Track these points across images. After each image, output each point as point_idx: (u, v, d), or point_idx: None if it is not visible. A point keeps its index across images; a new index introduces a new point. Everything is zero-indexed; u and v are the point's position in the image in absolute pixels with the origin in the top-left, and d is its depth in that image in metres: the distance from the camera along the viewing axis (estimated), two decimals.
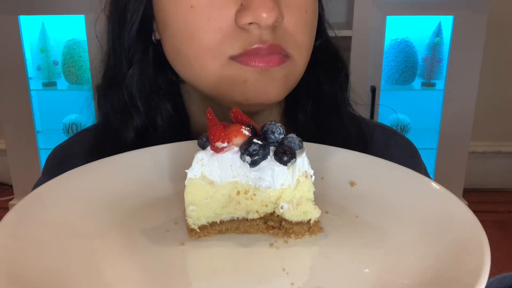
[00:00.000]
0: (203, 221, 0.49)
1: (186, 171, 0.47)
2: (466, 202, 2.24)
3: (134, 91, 0.68)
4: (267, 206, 0.49)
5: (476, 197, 2.77)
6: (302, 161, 0.47)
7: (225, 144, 0.46)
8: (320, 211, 0.49)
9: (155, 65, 0.68)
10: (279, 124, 0.47)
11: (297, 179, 0.48)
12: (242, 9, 0.56)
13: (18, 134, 2.47)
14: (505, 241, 2.52)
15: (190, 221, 0.48)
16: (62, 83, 2.50)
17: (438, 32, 2.43)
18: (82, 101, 0.77)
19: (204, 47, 0.59)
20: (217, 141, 0.46)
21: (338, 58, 0.76)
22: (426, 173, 0.80)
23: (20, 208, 0.47)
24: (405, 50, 2.45)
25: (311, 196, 0.48)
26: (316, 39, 0.66)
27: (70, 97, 2.46)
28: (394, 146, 0.79)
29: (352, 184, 0.57)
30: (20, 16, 2.30)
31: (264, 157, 0.46)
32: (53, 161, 0.77)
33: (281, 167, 0.46)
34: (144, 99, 0.68)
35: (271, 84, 0.60)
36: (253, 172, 0.47)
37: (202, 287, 0.43)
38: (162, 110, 0.69)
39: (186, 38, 0.59)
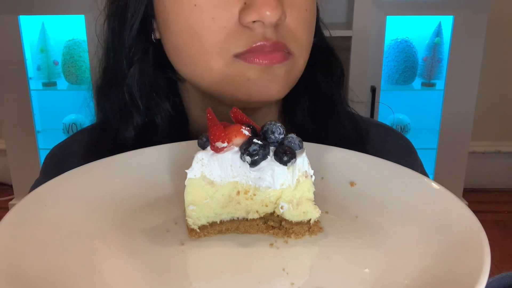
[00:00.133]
0: (203, 221, 0.49)
1: (186, 171, 0.47)
2: (466, 202, 2.24)
3: (135, 91, 0.68)
4: (267, 206, 0.49)
5: (476, 197, 2.77)
6: (302, 161, 0.47)
7: (225, 144, 0.46)
8: (320, 211, 0.49)
9: (154, 65, 0.68)
10: (279, 124, 0.47)
11: (297, 179, 0.48)
12: (245, 7, 0.57)
13: (18, 134, 2.47)
14: (505, 241, 2.52)
15: (190, 221, 0.48)
16: (62, 83, 2.50)
17: (438, 32, 2.43)
18: (82, 101, 0.77)
19: (209, 46, 0.59)
20: (217, 141, 0.46)
21: (333, 56, 0.77)
22: (422, 170, 0.80)
23: (20, 208, 0.47)
24: (405, 50, 2.45)
25: (311, 196, 0.48)
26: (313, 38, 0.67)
27: (70, 97, 2.46)
28: (391, 143, 0.79)
29: (352, 184, 0.57)
30: (20, 16, 2.30)
31: (264, 157, 0.46)
32: (52, 160, 0.77)
33: (281, 167, 0.46)
34: (144, 98, 0.68)
35: (273, 81, 0.61)
36: (253, 172, 0.47)
37: (202, 287, 0.43)
38: (162, 109, 0.69)
39: (190, 37, 0.60)
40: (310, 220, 0.49)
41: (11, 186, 2.64)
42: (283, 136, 0.47)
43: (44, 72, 2.45)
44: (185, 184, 0.48)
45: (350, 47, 2.32)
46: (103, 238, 0.47)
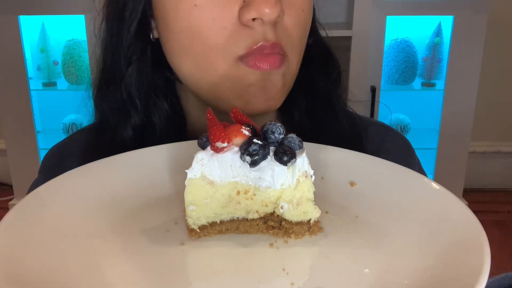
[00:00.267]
0: (203, 221, 0.49)
1: (186, 171, 0.47)
2: (466, 202, 2.24)
3: (133, 90, 0.68)
4: (267, 206, 0.49)
5: (476, 197, 2.77)
6: (302, 161, 0.47)
7: (225, 144, 0.46)
8: (320, 211, 0.49)
9: (153, 64, 0.68)
10: (279, 124, 0.47)
11: (297, 179, 0.48)
12: (245, 5, 0.57)
13: (18, 134, 2.47)
14: (505, 241, 2.52)
15: (190, 221, 0.48)
16: (62, 83, 2.50)
17: (438, 32, 2.43)
18: (80, 101, 0.77)
19: (212, 46, 0.59)
20: (217, 141, 0.46)
21: (331, 56, 0.77)
22: (420, 169, 0.80)
23: (20, 208, 0.47)
24: (405, 50, 2.45)
25: (311, 196, 0.48)
26: (308, 38, 0.67)
27: (70, 97, 2.46)
28: (390, 143, 0.79)
29: (352, 184, 0.57)
30: (20, 16, 2.30)
31: (264, 157, 0.46)
32: (50, 160, 0.77)
33: (281, 167, 0.46)
34: (142, 98, 0.68)
35: (270, 90, 0.61)
36: (253, 172, 0.47)
37: (202, 287, 0.43)
38: (160, 109, 0.69)
39: (191, 37, 0.60)
40: (310, 220, 0.49)
41: (11, 186, 2.65)
42: (283, 136, 0.47)
43: (44, 72, 2.45)
44: (185, 184, 0.48)
45: (350, 47, 2.32)
46: (103, 238, 0.47)
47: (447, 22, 2.40)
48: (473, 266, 0.39)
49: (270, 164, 0.46)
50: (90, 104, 0.75)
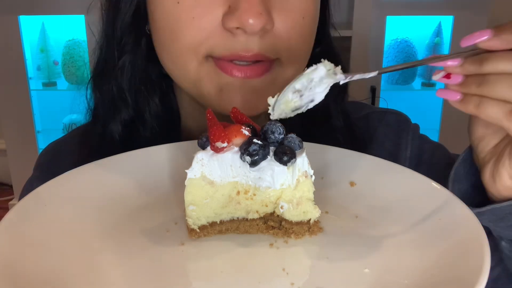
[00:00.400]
0: (203, 221, 0.49)
1: (186, 171, 0.47)
2: None
3: (124, 82, 0.67)
4: (267, 206, 0.49)
5: None
6: (302, 161, 0.47)
7: (225, 144, 0.46)
8: (320, 211, 0.49)
9: (147, 58, 0.67)
10: (279, 124, 0.47)
11: (297, 179, 0.48)
12: (229, 11, 0.55)
13: (18, 134, 2.47)
14: None
15: (190, 221, 0.48)
16: (62, 83, 2.50)
17: (438, 32, 2.43)
18: (78, 99, 0.77)
19: (187, 44, 0.58)
20: (217, 141, 0.46)
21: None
22: (417, 143, 0.77)
23: (20, 208, 0.47)
24: (405, 50, 2.45)
25: (311, 196, 0.48)
26: (316, 46, 0.65)
27: (70, 97, 2.46)
28: (380, 129, 0.77)
29: (352, 184, 0.57)
30: (20, 16, 2.30)
31: (264, 157, 0.46)
32: (45, 158, 0.77)
33: (281, 167, 0.46)
34: (133, 91, 0.68)
35: (250, 96, 0.59)
36: (253, 172, 0.47)
37: (202, 287, 0.43)
38: (151, 104, 0.68)
39: (170, 34, 0.59)
40: (310, 220, 0.49)
41: (11, 186, 2.65)
42: (283, 136, 0.47)
43: (44, 72, 2.45)
44: (185, 184, 0.48)
45: (350, 47, 2.32)
46: (103, 238, 0.47)
47: (447, 22, 2.40)
48: (473, 266, 0.39)
49: (270, 164, 0.46)
50: (86, 102, 0.75)
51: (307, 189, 0.48)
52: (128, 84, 0.67)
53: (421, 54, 2.49)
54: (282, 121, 0.49)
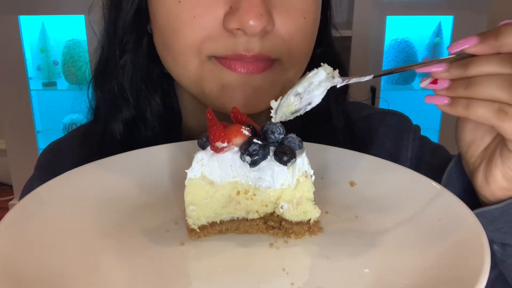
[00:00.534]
0: (203, 221, 0.49)
1: (186, 171, 0.47)
2: None
3: (125, 81, 0.67)
4: (267, 206, 0.49)
5: None
6: (302, 161, 0.47)
7: (225, 144, 0.46)
8: (320, 211, 0.49)
9: (149, 57, 0.67)
10: (279, 124, 0.47)
11: (297, 179, 0.48)
12: (230, 12, 0.55)
13: (18, 134, 2.47)
14: None
15: (190, 221, 0.48)
16: (62, 83, 2.50)
17: (438, 32, 2.43)
18: (82, 100, 0.77)
19: (188, 43, 0.58)
20: (217, 141, 0.46)
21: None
22: (421, 143, 0.77)
23: (20, 208, 0.47)
24: (405, 50, 2.45)
25: (311, 196, 0.48)
26: (317, 47, 0.65)
27: (70, 97, 2.46)
28: (381, 129, 0.77)
29: (352, 184, 0.57)
30: (20, 16, 2.30)
31: (264, 157, 0.46)
32: (46, 157, 0.77)
33: (281, 167, 0.46)
34: (134, 91, 0.68)
35: (252, 94, 0.59)
36: (253, 172, 0.47)
37: (202, 287, 0.43)
38: (152, 103, 0.68)
39: (171, 33, 0.59)
40: (310, 220, 0.49)
41: (11, 186, 2.65)
42: (283, 136, 0.47)
43: (44, 72, 2.45)
44: (185, 184, 0.48)
45: (350, 47, 2.32)
46: (103, 238, 0.47)
47: (447, 22, 2.40)
48: (473, 266, 0.39)
49: (270, 164, 0.46)
50: (87, 101, 0.75)
51: (307, 189, 0.48)
52: (129, 83, 0.67)
53: (421, 54, 2.49)
54: (283, 121, 0.50)
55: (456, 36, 2.35)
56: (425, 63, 0.47)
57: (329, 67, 0.45)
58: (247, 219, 0.50)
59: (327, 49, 0.72)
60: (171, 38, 0.60)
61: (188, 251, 0.47)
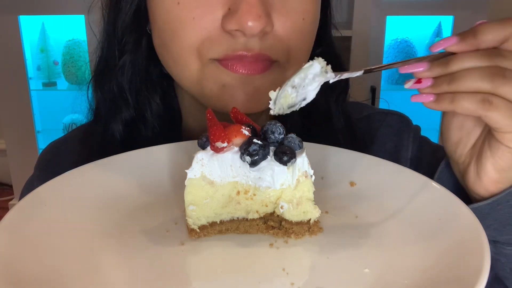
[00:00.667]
0: (203, 221, 0.49)
1: (186, 171, 0.47)
2: None
3: (125, 82, 0.67)
4: (267, 206, 0.49)
5: None
6: (302, 161, 0.47)
7: (225, 144, 0.46)
8: (320, 211, 0.49)
9: (148, 57, 0.67)
10: (279, 124, 0.47)
11: (297, 179, 0.48)
12: (229, 13, 0.55)
13: (18, 134, 2.47)
14: None
15: (190, 221, 0.48)
16: (62, 83, 2.50)
17: (438, 32, 2.43)
18: (82, 100, 0.77)
19: (187, 45, 0.58)
20: (217, 141, 0.46)
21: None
22: (418, 145, 0.77)
23: (20, 208, 0.47)
24: (405, 50, 2.45)
25: (311, 196, 0.48)
26: (317, 47, 0.65)
27: (70, 97, 2.45)
28: (381, 130, 0.77)
29: (352, 184, 0.57)
30: (20, 16, 2.30)
31: (264, 157, 0.46)
32: (45, 157, 0.77)
33: (281, 167, 0.46)
34: (133, 91, 0.68)
35: (252, 94, 0.59)
36: (253, 172, 0.47)
37: (202, 287, 0.43)
38: (152, 103, 0.68)
39: (171, 34, 0.59)
40: (310, 220, 0.49)
41: (11, 186, 2.65)
42: (283, 136, 0.47)
43: (44, 72, 2.45)
44: (185, 184, 0.48)
45: (350, 47, 2.32)
46: (103, 238, 0.47)
47: (447, 22, 2.40)
48: (473, 266, 0.39)
49: (270, 164, 0.46)
50: (87, 101, 0.75)
51: (307, 189, 0.48)
52: (128, 83, 0.67)
53: (421, 54, 2.49)
54: (282, 121, 0.50)
55: None
56: (405, 62, 0.48)
57: (323, 60, 0.46)
58: (247, 219, 0.50)
59: (327, 49, 0.72)
60: (170, 39, 0.60)
61: (188, 251, 0.47)
